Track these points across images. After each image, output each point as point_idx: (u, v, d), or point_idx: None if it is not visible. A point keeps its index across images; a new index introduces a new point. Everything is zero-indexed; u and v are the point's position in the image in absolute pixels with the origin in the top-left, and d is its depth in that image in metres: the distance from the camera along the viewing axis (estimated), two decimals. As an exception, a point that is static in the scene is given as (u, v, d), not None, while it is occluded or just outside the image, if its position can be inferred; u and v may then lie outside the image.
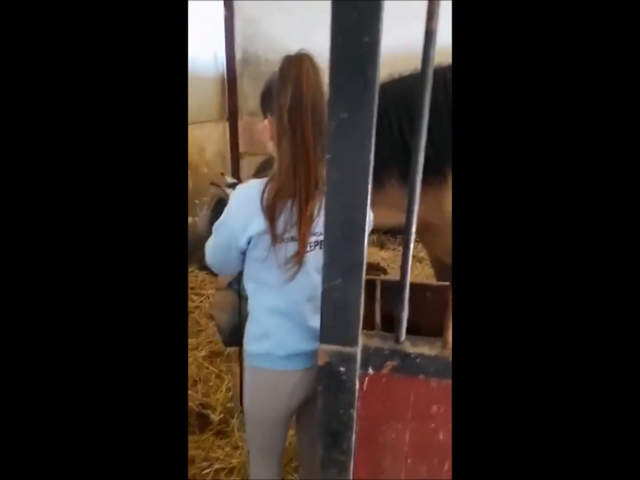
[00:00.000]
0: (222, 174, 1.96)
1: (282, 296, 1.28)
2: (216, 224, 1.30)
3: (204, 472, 1.99)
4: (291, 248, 1.22)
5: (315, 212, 1.20)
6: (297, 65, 1.16)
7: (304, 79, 1.15)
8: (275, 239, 1.20)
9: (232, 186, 1.71)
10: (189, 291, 3.42)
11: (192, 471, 1.99)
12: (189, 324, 3.09)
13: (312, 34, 3.84)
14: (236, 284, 1.73)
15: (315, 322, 1.28)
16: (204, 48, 3.82)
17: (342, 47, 0.73)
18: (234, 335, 1.83)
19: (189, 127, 3.71)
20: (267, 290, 1.29)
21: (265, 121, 1.25)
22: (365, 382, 0.98)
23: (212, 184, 1.90)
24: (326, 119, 1.15)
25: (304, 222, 1.20)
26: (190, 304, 3.22)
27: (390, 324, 1.07)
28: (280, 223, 1.20)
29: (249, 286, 1.35)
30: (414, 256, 4.08)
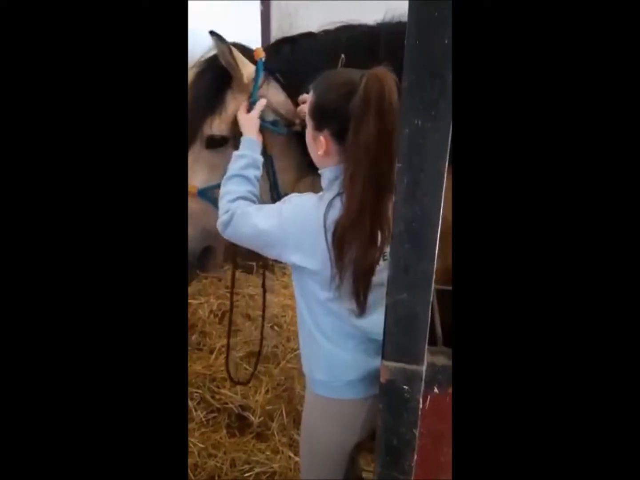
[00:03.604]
0: (211, 32, 1.29)
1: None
2: (264, 228, 1.08)
3: (245, 475, 1.97)
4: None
5: (381, 257, 1.04)
6: (380, 86, 0.92)
7: (387, 105, 0.93)
8: (341, 279, 1.04)
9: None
10: (224, 290, 3.42)
11: (233, 474, 1.98)
12: (226, 323, 3.08)
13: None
14: (210, 193, 1.34)
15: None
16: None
17: (418, 49, 0.68)
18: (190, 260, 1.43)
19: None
20: (324, 309, 1.13)
21: (321, 137, 1.07)
22: (428, 401, 0.93)
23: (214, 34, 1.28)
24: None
25: (366, 274, 1.03)
26: (227, 303, 3.22)
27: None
28: (347, 262, 1.03)
29: (300, 303, 1.17)
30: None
